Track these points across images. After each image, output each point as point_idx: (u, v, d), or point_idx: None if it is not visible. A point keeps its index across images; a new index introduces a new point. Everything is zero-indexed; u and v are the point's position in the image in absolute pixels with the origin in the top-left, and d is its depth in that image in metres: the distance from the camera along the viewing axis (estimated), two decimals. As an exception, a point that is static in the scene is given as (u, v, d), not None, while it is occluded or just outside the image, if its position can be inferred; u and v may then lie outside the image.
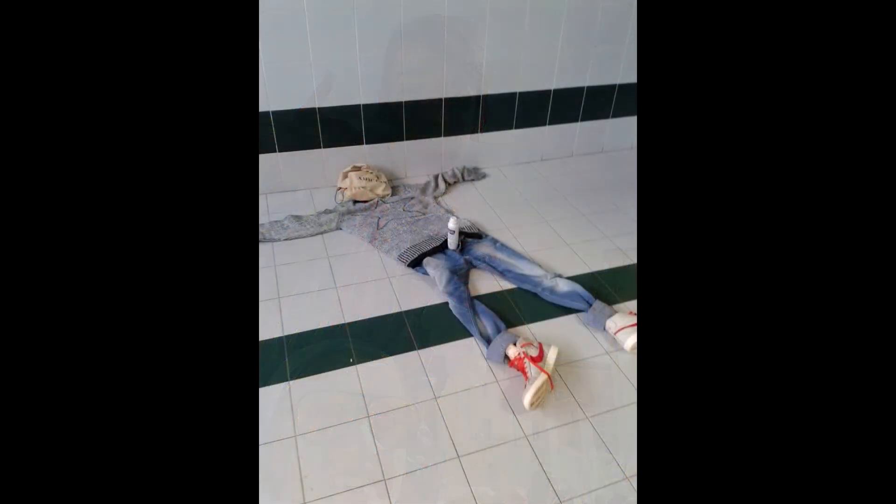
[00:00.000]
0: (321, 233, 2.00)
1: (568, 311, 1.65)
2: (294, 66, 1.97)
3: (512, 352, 1.41)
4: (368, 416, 1.29)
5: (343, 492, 1.13)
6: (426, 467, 1.18)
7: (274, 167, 2.16)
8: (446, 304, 1.64)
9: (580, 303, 1.63)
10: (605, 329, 1.55)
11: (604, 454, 1.23)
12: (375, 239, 1.94)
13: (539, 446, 1.24)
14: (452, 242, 1.86)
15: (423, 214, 2.09)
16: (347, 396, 1.34)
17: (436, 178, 2.32)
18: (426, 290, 1.72)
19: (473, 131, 2.38)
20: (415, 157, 2.35)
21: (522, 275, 1.76)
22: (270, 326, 1.55)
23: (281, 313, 1.61)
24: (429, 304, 1.67)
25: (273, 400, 1.33)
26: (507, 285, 1.76)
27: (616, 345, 1.53)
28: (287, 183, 2.23)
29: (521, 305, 1.67)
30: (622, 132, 2.65)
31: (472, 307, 1.60)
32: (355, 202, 2.14)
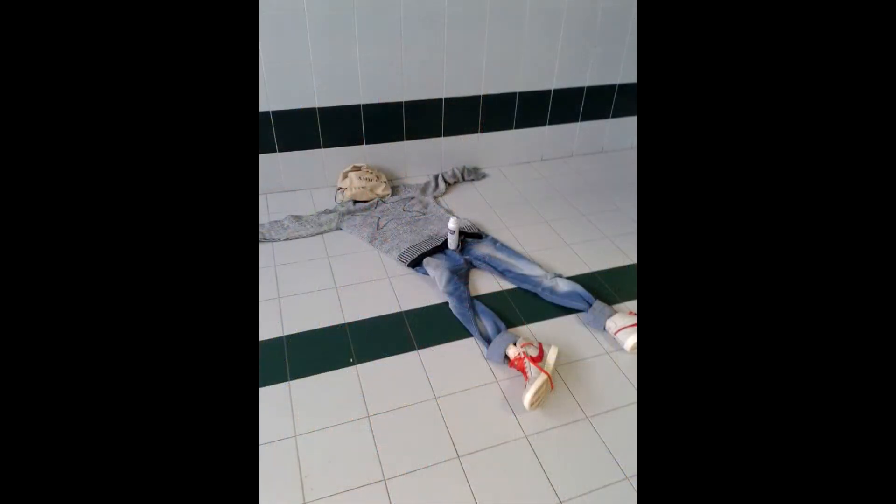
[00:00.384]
0: (321, 233, 2.00)
1: (568, 311, 1.65)
2: (294, 66, 1.97)
3: (512, 352, 1.41)
4: (368, 416, 1.29)
5: (343, 492, 1.13)
6: (426, 467, 1.18)
7: (274, 167, 2.16)
8: (446, 304, 1.64)
9: (580, 303, 1.63)
10: (605, 329, 1.55)
11: (604, 454, 1.23)
12: (375, 239, 1.94)
13: (539, 446, 1.24)
14: (452, 242, 1.86)
15: (423, 214, 2.09)
16: (347, 396, 1.34)
17: (436, 178, 2.32)
18: (426, 290, 1.72)
19: (473, 131, 2.38)
20: (415, 157, 2.35)
21: (522, 275, 1.76)
22: (270, 326, 1.55)
23: (281, 313, 1.61)
24: (429, 304, 1.66)
25: (273, 400, 1.33)
26: (507, 285, 1.76)
27: (616, 345, 1.53)
28: (287, 183, 2.23)
29: (521, 305, 1.67)
30: (622, 132, 2.65)
31: (472, 307, 1.60)
32: (355, 202, 2.14)
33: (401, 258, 1.83)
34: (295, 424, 1.27)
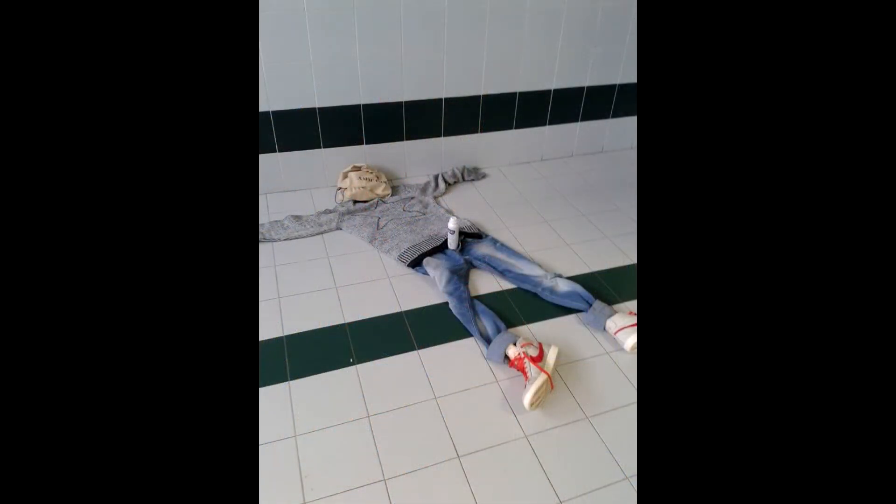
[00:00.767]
0: (321, 233, 2.00)
1: (568, 311, 1.65)
2: (294, 66, 1.97)
3: (512, 352, 1.41)
4: (368, 416, 1.29)
5: (343, 492, 1.13)
6: (426, 467, 1.18)
7: (274, 167, 2.16)
8: (446, 304, 1.64)
9: (580, 303, 1.63)
10: (605, 329, 1.55)
11: (604, 454, 1.23)
12: (375, 239, 1.94)
13: (539, 446, 1.24)
14: (452, 242, 1.86)
15: (423, 214, 2.09)
16: (347, 396, 1.34)
17: (436, 178, 2.32)
18: (426, 290, 1.72)
19: (473, 131, 2.38)
20: (415, 157, 2.35)
21: (522, 275, 1.76)
22: (270, 326, 1.55)
23: (281, 313, 1.61)
24: (429, 304, 1.66)
25: (273, 400, 1.33)
26: (507, 285, 1.76)
27: (616, 345, 1.53)
28: (287, 183, 2.23)
29: (521, 305, 1.67)
30: (622, 132, 2.65)
31: (472, 307, 1.60)
32: (355, 202, 2.14)
33: (401, 258, 1.83)
34: (295, 424, 1.27)
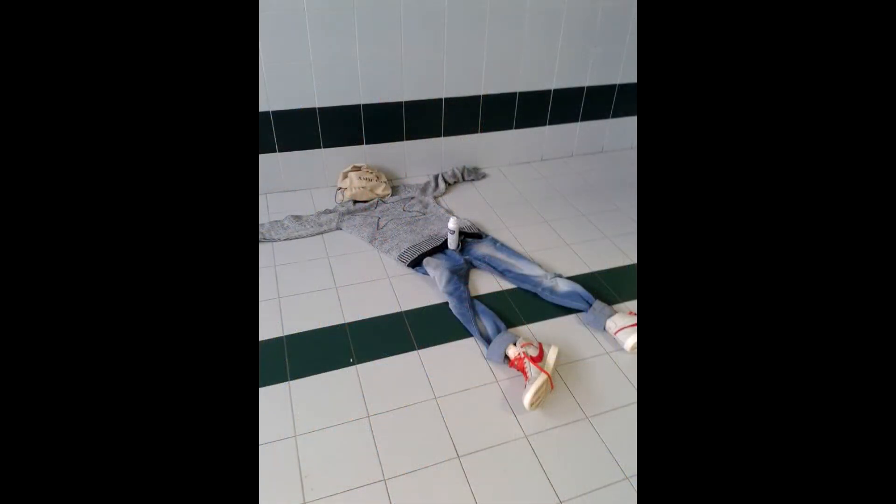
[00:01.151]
0: (321, 233, 2.00)
1: (568, 311, 1.65)
2: (294, 66, 1.97)
3: (512, 352, 1.41)
4: (368, 416, 1.29)
5: (343, 492, 1.13)
6: (426, 467, 1.18)
7: (274, 167, 2.16)
8: (446, 304, 1.64)
9: (580, 303, 1.63)
10: (605, 329, 1.55)
11: (604, 454, 1.23)
12: (375, 239, 1.94)
13: (539, 446, 1.24)
14: (452, 242, 1.86)
15: (423, 214, 2.09)
16: (347, 396, 1.34)
17: (436, 178, 2.32)
18: (426, 290, 1.72)
19: (473, 131, 2.38)
20: (415, 157, 2.35)
21: (522, 275, 1.76)
22: (270, 326, 1.55)
23: (281, 313, 1.61)
24: (429, 304, 1.66)
25: (273, 400, 1.33)
26: (507, 285, 1.76)
27: (616, 345, 1.53)
28: (287, 183, 2.23)
29: (521, 305, 1.67)
30: (622, 132, 2.65)
31: (472, 307, 1.60)
32: (355, 202, 2.14)
33: (401, 258, 1.83)
34: (295, 424, 1.27)
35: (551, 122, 2.49)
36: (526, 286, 1.73)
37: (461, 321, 1.57)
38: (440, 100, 2.23)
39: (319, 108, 2.09)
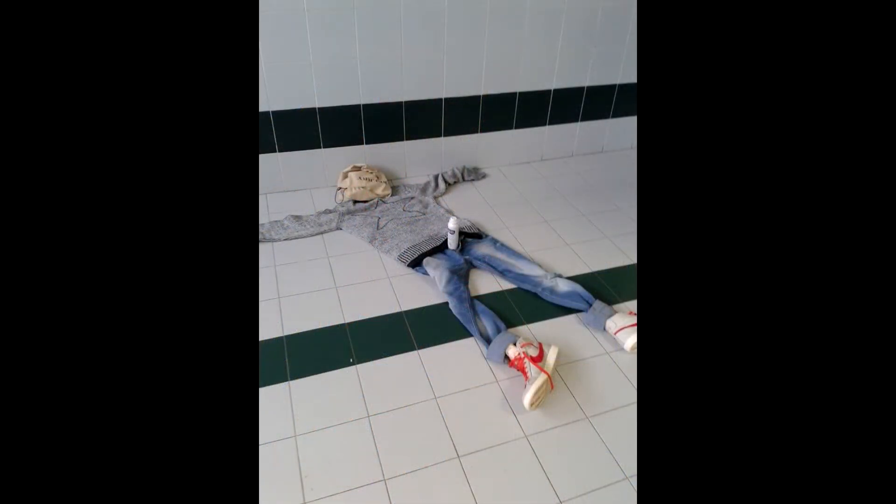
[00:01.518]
0: (321, 233, 2.00)
1: (568, 311, 1.65)
2: (294, 66, 1.97)
3: (512, 352, 1.41)
4: (368, 416, 1.29)
5: (343, 492, 1.13)
6: (426, 467, 1.18)
7: (274, 167, 2.16)
8: (446, 304, 1.64)
9: (580, 303, 1.63)
10: (605, 329, 1.55)
11: (604, 454, 1.23)
12: (375, 239, 1.94)
13: (539, 446, 1.24)
14: (452, 242, 1.86)
15: (423, 214, 2.09)
16: (347, 396, 1.34)
17: (436, 178, 2.32)
18: (426, 290, 1.72)
19: (473, 131, 2.38)
20: (415, 157, 2.35)
21: (522, 275, 1.76)
22: (270, 326, 1.55)
23: (281, 313, 1.61)
24: (429, 304, 1.66)
25: (273, 400, 1.33)
26: (507, 285, 1.76)
27: (616, 345, 1.53)
28: (287, 183, 2.23)
29: (521, 305, 1.67)
30: (622, 132, 2.65)
31: (472, 307, 1.60)
32: (355, 202, 2.14)
33: (401, 258, 1.83)
34: (295, 424, 1.27)
35: (551, 122, 2.49)
36: (526, 286, 1.73)
37: (461, 321, 1.57)
38: (440, 100, 2.23)
39: (319, 108, 2.09)
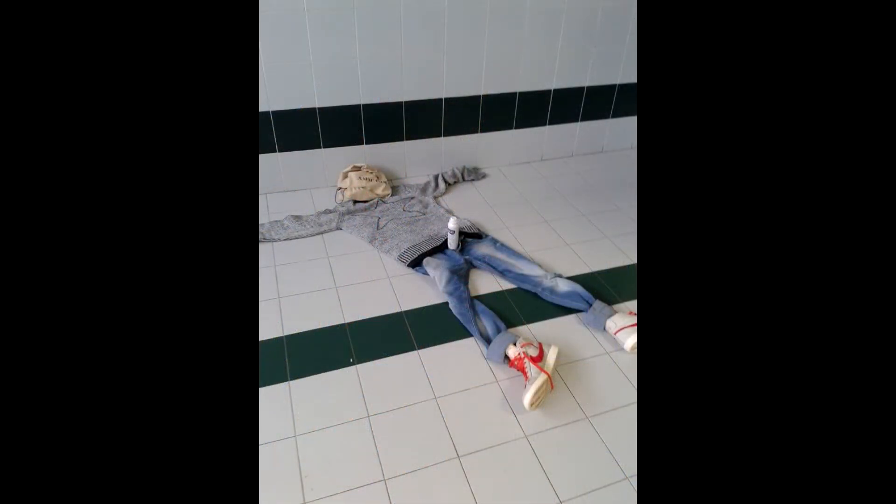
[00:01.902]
0: (321, 233, 2.00)
1: (568, 311, 1.65)
2: (294, 66, 1.97)
3: (512, 352, 1.41)
4: (368, 416, 1.29)
5: (343, 492, 1.13)
6: (426, 467, 1.18)
7: (274, 167, 2.16)
8: (446, 304, 1.64)
9: (580, 303, 1.63)
10: (605, 329, 1.55)
11: (604, 454, 1.23)
12: (375, 239, 1.94)
13: (539, 446, 1.24)
14: (452, 242, 1.86)
15: (423, 214, 2.09)
16: (347, 396, 1.34)
17: (436, 178, 2.32)
18: (426, 290, 1.72)
19: (473, 131, 2.38)
20: (415, 157, 2.35)
21: (522, 275, 1.76)
22: (270, 326, 1.55)
23: (281, 313, 1.61)
24: (429, 304, 1.66)
25: (273, 400, 1.33)
26: (507, 285, 1.76)
27: (616, 345, 1.53)
28: (287, 183, 2.23)
29: (521, 305, 1.67)
30: (622, 132, 2.65)
31: (472, 307, 1.60)
32: (355, 202, 2.14)
33: (401, 258, 1.83)
34: (295, 424, 1.27)
35: (551, 122, 2.49)
36: (526, 286, 1.73)
37: (461, 321, 1.57)
38: (440, 100, 2.23)
39: (319, 108, 2.09)
